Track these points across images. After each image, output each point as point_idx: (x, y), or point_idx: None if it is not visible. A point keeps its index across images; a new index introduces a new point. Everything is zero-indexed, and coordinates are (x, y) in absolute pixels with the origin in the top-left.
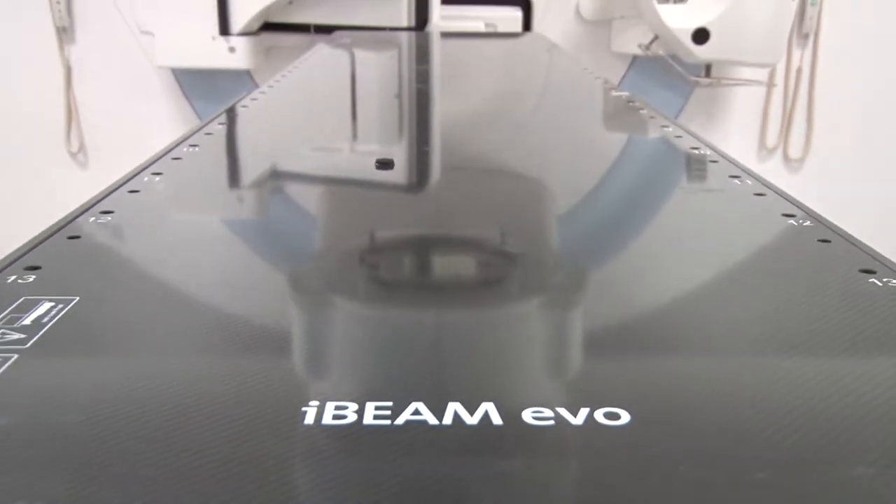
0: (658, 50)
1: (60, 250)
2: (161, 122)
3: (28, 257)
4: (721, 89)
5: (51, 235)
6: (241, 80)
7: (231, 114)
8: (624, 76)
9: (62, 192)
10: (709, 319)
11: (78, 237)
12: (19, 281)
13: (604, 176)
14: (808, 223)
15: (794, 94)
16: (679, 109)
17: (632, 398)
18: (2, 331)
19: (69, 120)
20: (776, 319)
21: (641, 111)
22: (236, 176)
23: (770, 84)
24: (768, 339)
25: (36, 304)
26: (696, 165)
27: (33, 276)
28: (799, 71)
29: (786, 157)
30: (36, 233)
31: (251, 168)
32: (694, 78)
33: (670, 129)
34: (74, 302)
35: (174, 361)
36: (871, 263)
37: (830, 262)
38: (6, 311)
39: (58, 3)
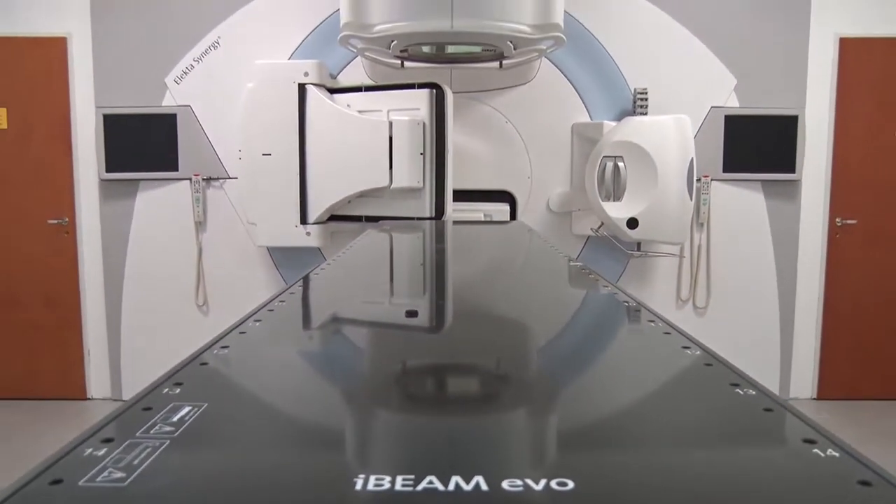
0: (604, 232)
1: (195, 371)
2: (259, 284)
3: (175, 376)
4: (648, 259)
5: (189, 362)
6: (314, 254)
7: (307, 279)
8: (581, 251)
9: (191, 333)
10: (620, 417)
11: (206, 363)
12: (169, 392)
13: (564, 321)
14: (698, 352)
15: (697, 263)
16: (620, 274)
17: (575, 472)
18: (159, 425)
19: (198, 283)
20: (662, 417)
21: (590, 276)
22: (309, 322)
23: (681, 256)
24: (656, 429)
25: (180, 407)
26: (625, 313)
27: (179, 389)
28: (700, 247)
29: (695, 306)
30: (175, 362)
31: (320, 316)
32: (629, 252)
33: (609, 289)
34: (205, 406)
35: (269, 446)
36: (737, 379)
37: (710, 378)
38: (162, 412)
39: (197, 207)
